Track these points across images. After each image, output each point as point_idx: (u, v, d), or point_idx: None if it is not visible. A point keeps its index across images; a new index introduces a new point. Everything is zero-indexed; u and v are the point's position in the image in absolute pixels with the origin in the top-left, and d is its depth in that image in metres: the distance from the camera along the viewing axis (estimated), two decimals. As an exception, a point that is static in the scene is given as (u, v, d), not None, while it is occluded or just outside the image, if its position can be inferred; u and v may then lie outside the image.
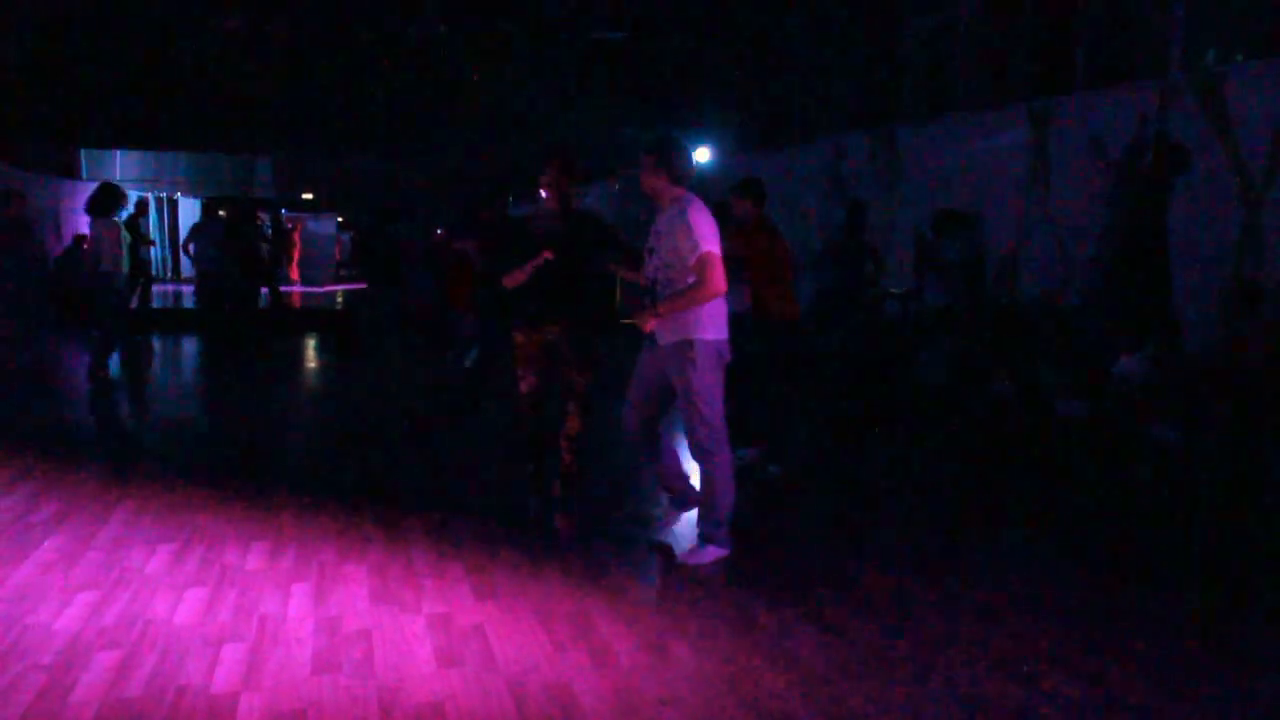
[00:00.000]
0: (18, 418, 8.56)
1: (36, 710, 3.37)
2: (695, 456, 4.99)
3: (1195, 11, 8.95)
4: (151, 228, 21.50)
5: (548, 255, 5.16)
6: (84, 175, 22.16)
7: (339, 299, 23.44)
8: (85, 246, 10.28)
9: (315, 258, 27.32)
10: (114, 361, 10.70)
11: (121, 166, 23.48)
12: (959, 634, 4.08)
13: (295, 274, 26.67)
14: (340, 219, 33.47)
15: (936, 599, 4.48)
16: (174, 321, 16.39)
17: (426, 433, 8.07)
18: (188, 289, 21.23)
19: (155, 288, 19.24)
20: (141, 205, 16.71)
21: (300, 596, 4.40)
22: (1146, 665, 3.82)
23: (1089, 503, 6.34)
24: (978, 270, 10.34)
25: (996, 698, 3.54)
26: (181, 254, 20.16)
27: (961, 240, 10.15)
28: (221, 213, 12.99)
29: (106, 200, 10.15)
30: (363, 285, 24.80)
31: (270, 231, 18.44)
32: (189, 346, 13.64)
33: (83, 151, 22.32)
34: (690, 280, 4.79)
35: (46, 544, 5.05)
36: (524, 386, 5.53)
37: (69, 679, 3.58)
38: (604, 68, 18.44)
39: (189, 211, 26.08)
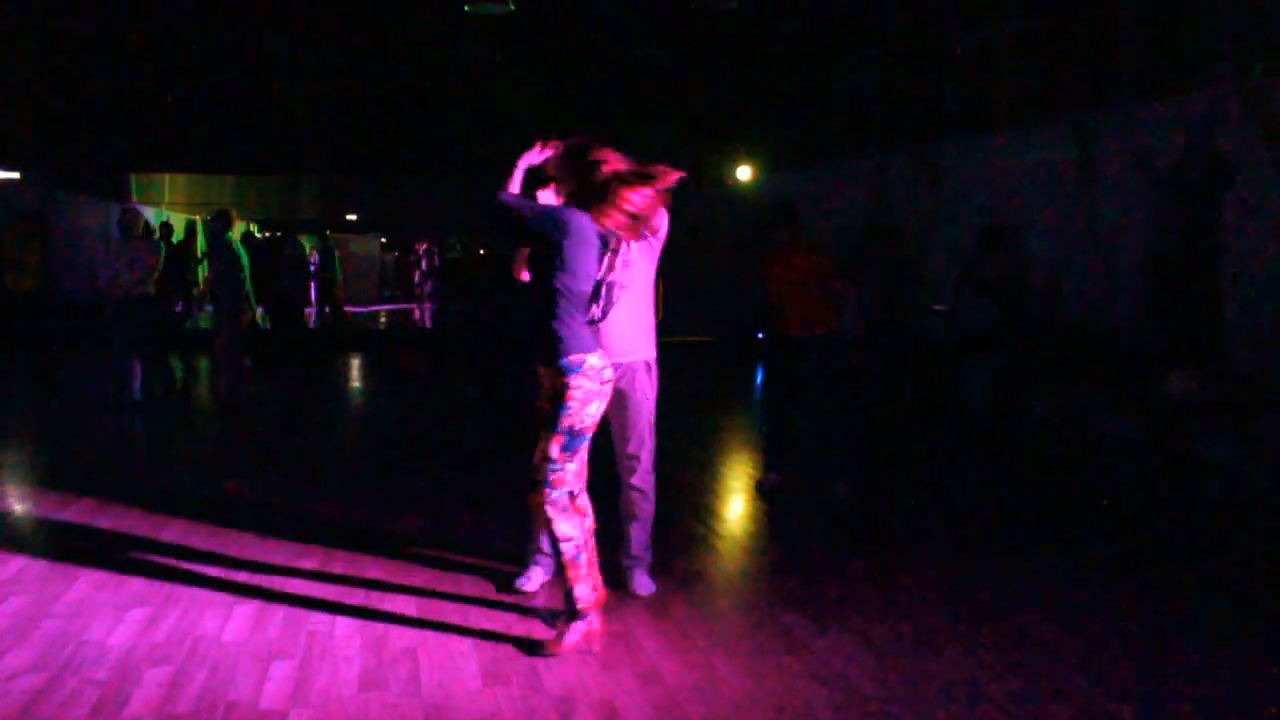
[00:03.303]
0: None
1: (90, 725, 3.42)
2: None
3: (1243, 22, 8.83)
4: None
5: None
6: (133, 198, 22.55)
7: (382, 319, 23.63)
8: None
9: (358, 278, 27.52)
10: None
11: (169, 190, 23.87)
12: (1008, 657, 4.03)
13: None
14: (384, 239, 33.74)
15: (985, 622, 4.43)
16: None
17: None
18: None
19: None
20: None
21: (347, 614, 4.43)
22: (1200, 689, 3.75)
23: (1138, 522, 6.25)
24: (1021, 287, 10.23)
25: (1049, 720, 3.50)
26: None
27: (1005, 257, 10.05)
28: (260, 235, 13.56)
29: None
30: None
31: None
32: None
33: (132, 175, 22.73)
34: None
35: (99, 561, 5.12)
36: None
37: (122, 694, 3.63)
38: (647, 86, 18.50)
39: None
